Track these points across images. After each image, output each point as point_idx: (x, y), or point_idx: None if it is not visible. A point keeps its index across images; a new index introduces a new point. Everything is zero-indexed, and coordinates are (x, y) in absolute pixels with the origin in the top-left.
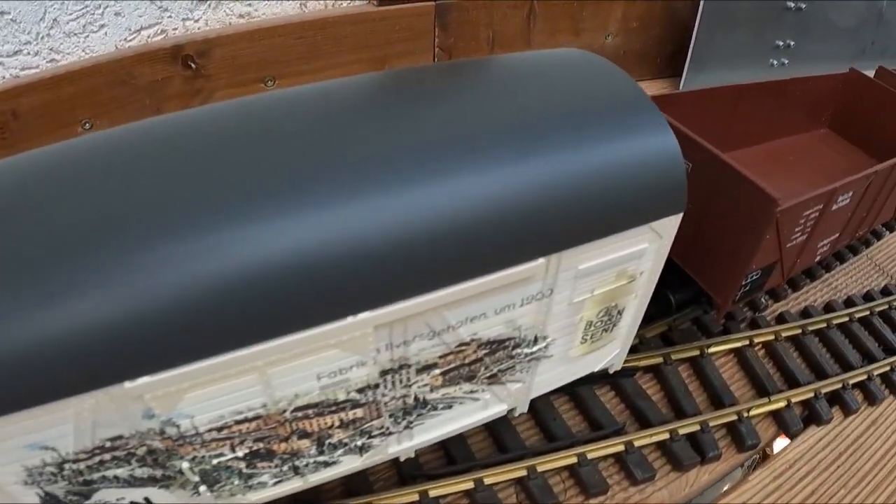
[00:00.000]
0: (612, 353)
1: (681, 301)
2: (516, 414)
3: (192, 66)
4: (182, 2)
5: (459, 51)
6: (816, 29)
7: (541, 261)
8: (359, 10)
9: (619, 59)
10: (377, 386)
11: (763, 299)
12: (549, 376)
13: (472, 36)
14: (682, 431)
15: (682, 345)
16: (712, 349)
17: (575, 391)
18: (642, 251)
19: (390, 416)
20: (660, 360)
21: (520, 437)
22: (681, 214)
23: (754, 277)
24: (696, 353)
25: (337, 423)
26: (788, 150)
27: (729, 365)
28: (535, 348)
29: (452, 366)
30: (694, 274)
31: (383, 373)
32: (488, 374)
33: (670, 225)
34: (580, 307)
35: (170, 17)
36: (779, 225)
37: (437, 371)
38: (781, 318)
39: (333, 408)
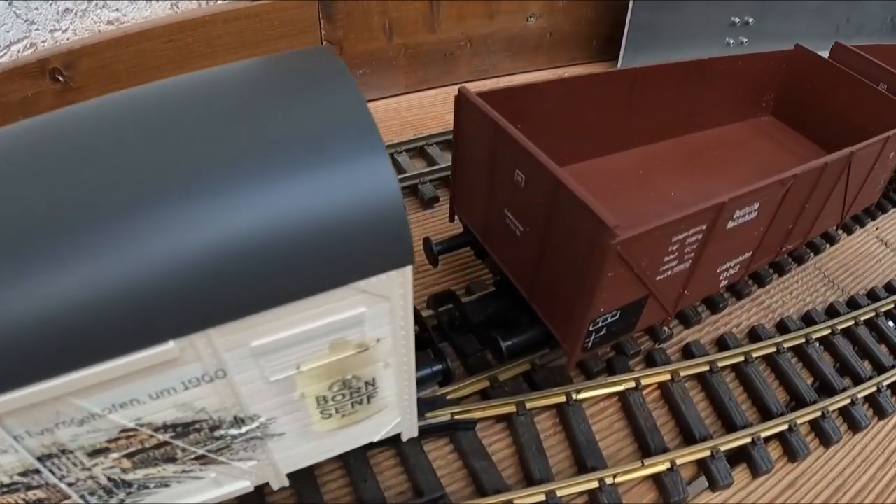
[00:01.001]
0: (390, 423)
1: (521, 346)
2: (275, 489)
3: (60, 79)
4: (48, 13)
5: (351, 43)
6: (780, 4)
7: (171, 345)
8: (231, 7)
9: (545, 43)
10: (38, 471)
11: (666, 327)
12: (302, 451)
13: (364, 26)
14: (520, 503)
15: (546, 390)
16: (585, 394)
17: (400, 446)
18: (358, 317)
19: (91, 493)
20: (512, 408)
21: (322, 501)
22: (408, 268)
23: (611, 319)
24: (562, 399)
25: (22, 501)
26: (717, 143)
27: (609, 412)
28: (244, 429)
29: (132, 450)
30: (540, 312)
31: (43, 458)
32: (194, 456)
33: (395, 282)
34: (290, 384)
35: (37, 29)
36: (627, 258)
37: (117, 454)
38: (688, 351)
39: (4, 488)
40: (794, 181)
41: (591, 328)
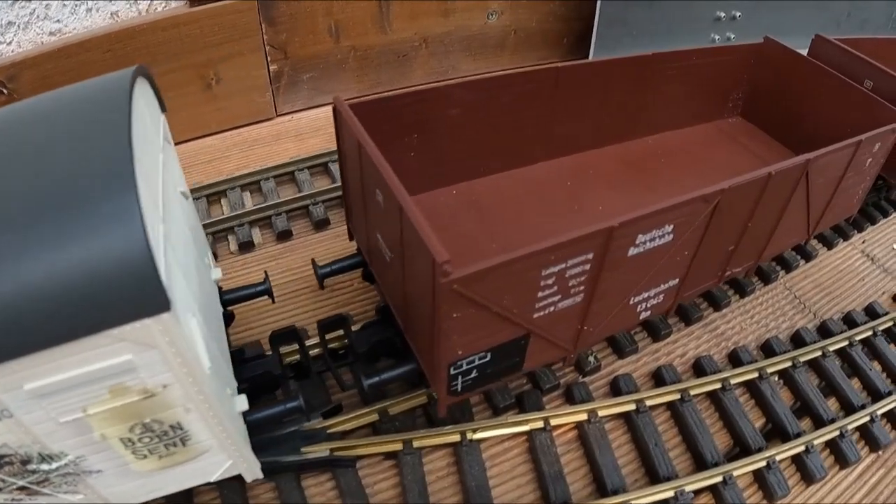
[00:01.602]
0: (223, 464)
1: (387, 384)
2: None
3: (4, 91)
4: None
5: (296, 46)
6: None
7: None
8: (168, 15)
9: (509, 42)
10: None
11: (592, 358)
12: (129, 488)
13: (308, 29)
14: None
15: (439, 427)
16: (483, 433)
17: (277, 480)
18: (127, 364)
19: None
20: (398, 446)
21: None
22: (164, 315)
23: (480, 362)
24: (456, 438)
25: None
26: (672, 149)
27: (513, 454)
28: (54, 465)
29: None
30: (414, 347)
31: None
32: (16, 487)
33: (155, 330)
34: (85, 426)
35: None
36: (474, 297)
37: None
38: (615, 386)
39: None
40: (723, 197)
41: (453, 371)
